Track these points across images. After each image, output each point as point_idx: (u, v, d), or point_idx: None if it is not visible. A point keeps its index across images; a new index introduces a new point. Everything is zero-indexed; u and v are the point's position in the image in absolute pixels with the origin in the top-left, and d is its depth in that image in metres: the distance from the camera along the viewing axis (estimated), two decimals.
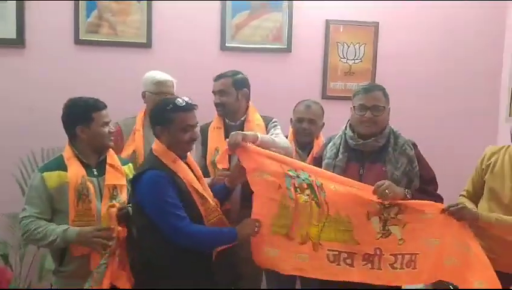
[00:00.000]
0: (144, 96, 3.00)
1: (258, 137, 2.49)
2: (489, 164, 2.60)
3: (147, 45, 3.54)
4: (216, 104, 2.85)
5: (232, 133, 2.45)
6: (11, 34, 3.37)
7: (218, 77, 2.86)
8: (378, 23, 3.78)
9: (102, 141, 2.45)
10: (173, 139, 2.26)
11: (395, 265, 2.33)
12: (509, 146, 2.59)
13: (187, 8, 3.57)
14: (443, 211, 2.33)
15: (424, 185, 2.44)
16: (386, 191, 2.28)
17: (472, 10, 3.85)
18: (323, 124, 3.05)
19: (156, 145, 2.30)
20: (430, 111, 3.86)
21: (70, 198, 2.34)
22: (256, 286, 2.91)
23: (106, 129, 2.44)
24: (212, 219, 2.28)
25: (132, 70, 3.49)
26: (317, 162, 2.61)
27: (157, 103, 2.39)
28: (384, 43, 3.79)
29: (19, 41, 3.39)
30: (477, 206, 2.62)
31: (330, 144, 2.58)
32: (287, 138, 3.01)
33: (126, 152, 2.90)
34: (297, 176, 2.37)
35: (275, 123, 2.90)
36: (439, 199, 2.46)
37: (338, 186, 2.37)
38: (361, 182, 2.41)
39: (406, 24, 3.82)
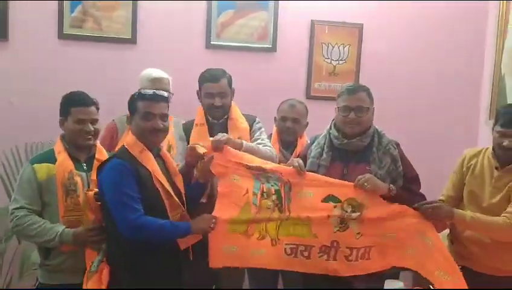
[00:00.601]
0: None
1: (242, 145, 2.52)
2: (470, 166, 2.61)
3: (132, 40, 3.53)
4: (216, 107, 2.78)
5: (219, 134, 2.48)
6: None
7: (216, 78, 2.78)
8: (362, 24, 3.82)
9: (74, 138, 2.43)
10: (137, 128, 2.29)
11: (350, 257, 2.39)
12: (487, 148, 2.61)
13: (173, 5, 3.57)
14: (415, 208, 2.37)
15: (407, 184, 2.47)
16: (365, 183, 2.33)
17: (454, 13, 3.91)
18: (307, 123, 3.08)
19: (128, 136, 2.34)
20: (412, 112, 3.92)
21: (58, 194, 2.35)
22: (238, 286, 2.93)
23: (79, 127, 2.40)
24: (175, 215, 2.29)
25: (116, 66, 3.50)
26: (302, 161, 2.64)
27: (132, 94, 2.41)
28: (368, 44, 3.84)
29: (1, 35, 3.35)
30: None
31: (315, 144, 2.60)
32: (270, 136, 3.04)
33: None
34: (267, 181, 2.42)
35: (259, 125, 2.90)
36: (421, 197, 2.50)
37: (306, 192, 2.42)
38: (344, 181, 2.43)
39: (389, 26, 3.87)
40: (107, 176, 2.21)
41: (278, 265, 2.44)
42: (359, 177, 2.35)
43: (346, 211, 2.39)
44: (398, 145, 2.53)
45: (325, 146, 2.54)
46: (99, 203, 2.27)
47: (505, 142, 2.42)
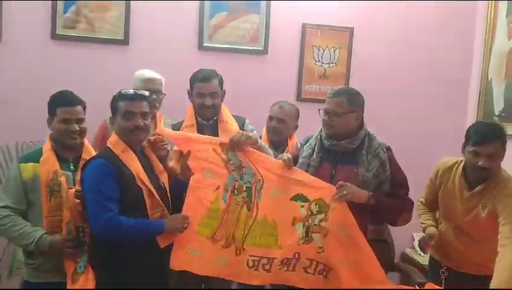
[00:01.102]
0: None
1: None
2: (442, 181, 2.60)
3: (124, 41, 3.55)
4: (206, 106, 2.80)
5: (239, 132, 2.53)
6: None
7: (207, 79, 2.81)
8: (353, 28, 3.86)
9: (59, 137, 2.44)
10: (119, 127, 2.33)
11: (308, 270, 2.42)
12: (461, 162, 2.56)
13: (165, 7, 3.59)
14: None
15: (395, 188, 2.50)
16: (344, 191, 2.34)
17: (443, 17, 3.97)
18: (297, 126, 3.11)
19: (111, 137, 2.37)
20: (400, 115, 3.96)
21: (42, 194, 2.36)
22: (227, 285, 2.95)
23: (64, 126, 2.41)
24: (155, 213, 2.32)
25: (108, 66, 3.51)
26: (293, 162, 2.67)
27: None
28: (358, 47, 3.88)
29: None
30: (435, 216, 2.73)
31: (307, 144, 2.64)
32: (261, 138, 3.07)
33: None
34: (241, 178, 2.45)
35: (251, 127, 2.94)
36: (408, 202, 2.53)
37: (276, 191, 2.44)
38: (332, 181, 2.46)
39: (380, 30, 3.91)
40: (88, 175, 2.25)
41: (237, 277, 2.48)
42: (340, 184, 2.37)
43: (312, 212, 2.42)
44: (388, 149, 2.55)
45: (316, 147, 2.57)
46: (78, 201, 2.29)
47: (480, 162, 2.34)
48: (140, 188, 2.27)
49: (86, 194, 2.25)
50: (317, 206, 2.43)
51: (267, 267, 2.43)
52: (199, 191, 2.43)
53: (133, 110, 2.31)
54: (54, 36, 3.47)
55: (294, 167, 2.49)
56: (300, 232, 2.43)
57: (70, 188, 2.34)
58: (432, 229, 2.61)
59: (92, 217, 2.21)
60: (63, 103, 2.44)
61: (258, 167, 2.47)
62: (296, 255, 2.43)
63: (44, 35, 3.45)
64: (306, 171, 2.53)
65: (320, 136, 2.59)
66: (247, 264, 2.43)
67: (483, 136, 2.34)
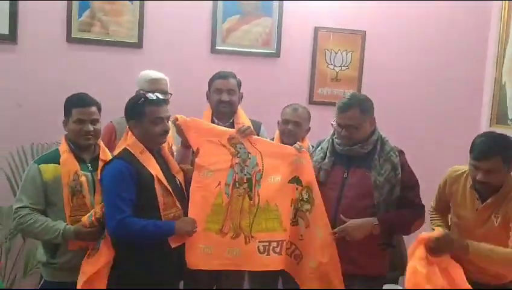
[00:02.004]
0: None
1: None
2: (452, 191, 2.56)
3: (138, 45, 3.58)
4: (223, 102, 2.88)
5: (244, 126, 2.63)
6: (4, 29, 3.39)
7: (226, 76, 2.92)
8: (365, 31, 3.87)
9: (74, 138, 2.48)
10: (145, 132, 2.36)
11: (288, 251, 2.55)
12: (467, 172, 2.51)
13: (179, 10, 3.62)
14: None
15: (405, 191, 2.50)
16: (346, 237, 2.41)
17: (456, 21, 3.96)
18: (309, 128, 3.11)
19: (129, 138, 2.40)
20: (413, 118, 3.95)
21: (64, 195, 2.40)
22: (238, 283, 2.97)
23: (79, 127, 2.45)
24: (169, 214, 2.35)
25: (123, 69, 3.54)
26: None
27: (130, 99, 2.46)
28: (371, 51, 3.88)
29: (11, 38, 3.41)
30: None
31: (318, 148, 2.67)
32: (273, 140, 3.09)
33: (119, 151, 2.93)
34: (241, 171, 2.53)
35: (266, 134, 3.00)
36: (419, 207, 2.54)
37: (275, 177, 2.55)
38: (344, 185, 2.50)
39: (392, 33, 3.91)
40: (106, 176, 2.31)
41: (252, 266, 2.56)
42: (340, 228, 2.43)
43: (303, 197, 2.53)
44: (401, 153, 2.55)
45: (328, 151, 2.60)
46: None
47: (478, 176, 2.31)
48: (156, 189, 2.31)
49: (103, 195, 2.32)
50: (307, 194, 2.53)
51: (277, 250, 2.53)
52: (201, 190, 2.49)
53: (161, 115, 2.38)
54: (69, 39, 3.51)
55: (305, 151, 2.59)
56: (292, 213, 2.56)
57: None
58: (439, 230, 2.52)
59: (107, 218, 2.27)
60: (78, 103, 2.47)
61: (264, 155, 2.57)
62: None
63: (59, 38, 3.50)
64: (317, 175, 2.57)
65: (332, 140, 2.60)
66: (258, 250, 2.51)
67: (483, 151, 2.28)
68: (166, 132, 2.41)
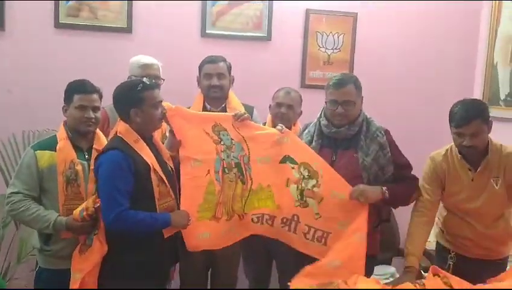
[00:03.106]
0: None
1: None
2: (444, 171, 2.56)
3: (127, 29, 3.54)
4: (214, 86, 2.86)
5: (240, 112, 2.62)
6: None
7: (215, 60, 2.89)
8: (356, 13, 3.84)
9: (74, 124, 2.46)
10: (147, 117, 2.34)
11: (307, 236, 2.50)
12: (450, 147, 2.57)
13: None
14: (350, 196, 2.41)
15: (399, 170, 2.52)
16: (359, 197, 2.38)
17: (449, 2, 3.92)
18: (301, 112, 3.11)
19: (120, 127, 2.37)
20: (405, 100, 3.95)
21: (58, 182, 2.38)
22: (233, 267, 2.99)
23: (80, 113, 2.43)
24: (164, 204, 2.34)
25: (112, 54, 3.51)
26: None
27: (123, 87, 2.41)
28: (362, 33, 3.86)
29: None
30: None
31: (305, 132, 2.66)
32: (265, 124, 3.08)
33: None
34: (228, 157, 2.52)
35: (259, 119, 2.97)
36: (415, 180, 2.56)
37: (263, 158, 2.55)
38: (333, 167, 2.50)
39: (384, 15, 3.88)
40: (103, 167, 2.26)
41: (246, 232, 2.59)
42: (354, 189, 2.39)
43: (304, 175, 2.49)
44: (387, 132, 2.56)
45: (315, 134, 2.60)
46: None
47: (464, 142, 2.38)
48: (151, 178, 2.29)
49: (99, 185, 2.28)
50: (306, 170, 2.51)
51: (269, 222, 2.56)
52: (191, 181, 2.47)
53: (160, 99, 2.39)
54: (57, 25, 3.46)
55: (289, 131, 2.60)
56: (295, 194, 2.53)
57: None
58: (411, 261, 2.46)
59: (104, 210, 2.24)
60: (80, 89, 2.45)
61: (247, 139, 2.56)
62: (295, 218, 2.52)
63: (47, 24, 3.45)
64: None
65: (319, 122, 2.60)
66: (252, 220, 2.56)
67: (463, 117, 2.37)
68: (164, 115, 2.41)
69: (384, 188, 2.43)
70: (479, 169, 2.47)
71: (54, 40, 3.48)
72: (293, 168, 2.53)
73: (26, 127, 3.27)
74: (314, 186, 2.49)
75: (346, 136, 2.52)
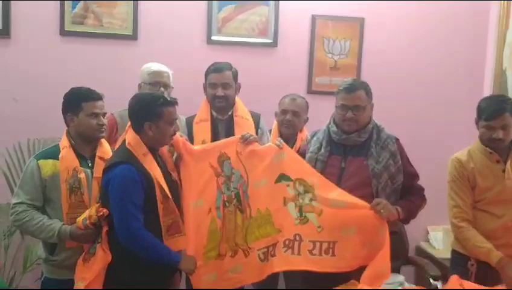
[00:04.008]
0: (140, 87, 2.96)
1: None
2: (473, 170, 2.57)
3: (133, 37, 3.54)
4: (219, 97, 2.81)
5: (247, 133, 2.57)
6: None
7: (220, 69, 2.84)
8: (363, 18, 3.81)
9: (88, 132, 2.45)
10: (160, 133, 2.31)
11: (313, 251, 2.42)
12: (471, 147, 2.62)
13: (173, 1, 3.57)
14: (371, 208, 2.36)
15: (409, 180, 2.50)
16: (382, 210, 2.33)
17: (456, 7, 3.90)
18: (307, 118, 3.10)
19: (130, 137, 2.34)
20: (412, 107, 3.91)
21: (62, 191, 2.37)
22: None
23: (94, 121, 2.43)
24: (168, 221, 2.31)
25: (118, 62, 3.52)
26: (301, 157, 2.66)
27: (142, 98, 2.40)
28: (369, 38, 3.83)
29: (4, 32, 3.38)
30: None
31: (314, 139, 2.63)
32: (271, 131, 3.06)
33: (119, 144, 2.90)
34: (228, 189, 2.49)
35: (265, 127, 2.95)
36: (422, 191, 2.54)
37: (260, 182, 2.50)
38: (342, 174, 2.47)
39: (390, 20, 3.86)
40: (116, 181, 2.23)
41: (256, 278, 2.50)
42: (377, 201, 2.35)
43: (299, 191, 2.45)
44: (397, 140, 2.54)
45: (324, 141, 2.57)
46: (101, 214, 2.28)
47: (494, 134, 2.47)
48: (156, 194, 2.27)
49: (113, 201, 2.24)
50: (301, 186, 2.47)
51: (272, 253, 2.47)
52: (194, 223, 2.44)
53: (176, 117, 2.38)
54: (63, 32, 3.47)
55: (285, 146, 2.55)
56: (294, 212, 2.47)
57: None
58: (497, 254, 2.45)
59: (121, 225, 2.21)
60: (90, 97, 2.44)
61: (245, 163, 2.52)
62: (297, 237, 2.45)
63: (53, 31, 3.46)
64: (314, 166, 2.53)
65: (328, 129, 2.57)
66: (259, 258, 2.46)
67: (495, 110, 2.48)
68: (175, 132, 2.41)
69: (398, 208, 2.40)
70: (508, 160, 2.53)
71: (59, 48, 3.48)
72: (288, 185, 2.49)
73: (31, 134, 3.27)
74: (311, 200, 2.45)
75: (355, 142, 2.50)
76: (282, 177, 2.49)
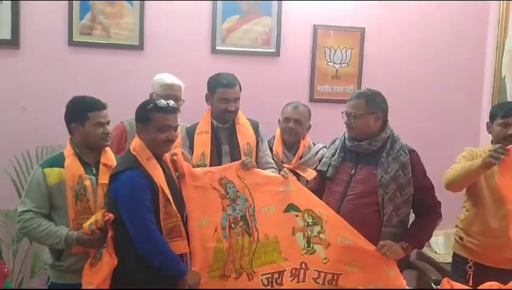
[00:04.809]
0: (151, 97, 2.98)
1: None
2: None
3: (139, 47, 3.60)
4: (230, 111, 2.83)
5: (247, 159, 2.64)
6: (6, 35, 3.41)
7: (233, 85, 2.84)
8: (364, 28, 3.88)
9: (94, 141, 2.50)
10: (150, 138, 2.35)
11: (317, 280, 2.49)
12: (483, 149, 2.70)
13: (179, 12, 3.64)
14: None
15: (421, 194, 2.50)
16: (387, 252, 2.41)
17: (455, 16, 3.97)
18: (310, 126, 3.14)
19: (135, 143, 2.39)
20: (413, 114, 3.96)
21: (68, 198, 2.42)
22: None
23: (100, 130, 2.48)
24: (169, 224, 2.33)
25: (124, 72, 3.57)
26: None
27: (142, 102, 2.46)
28: (370, 47, 3.90)
29: (13, 42, 3.43)
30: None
31: (332, 145, 2.73)
32: (274, 139, 3.11)
33: None
34: (233, 210, 2.51)
35: (264, 136, 2.97)
36: (437, 209, 2.55)
37: (268, 208, 2.53)
38: (351, 181, 2.53)
39: (391, 29, 3.93)
40: (125, 188, 2.26)
41: None
42: (382, 245, 2.42)
43: (308, 222, 2.50)
44: (412, 152, 2.54)
45: (339, 147, 2.64)
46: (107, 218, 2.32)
47: (510, 131, 2.56)
48: (159, 198, 2.30)
49: (124, 206, 2.26)
50: (310, 217, 2.53)
51: (279, 281, 2.50)
52: (200, 243, 2.45)
53: (169, 123, 2.36)
54: (71, 43, 3.52)
55: (290, 177, 2.62)
56: (302, 242, 2.53)
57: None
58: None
59: (137, 229, 2.24)
60: (95, 107, 2.49)
61: (251, 188, 2.55)
62: (303, 265, 2.52)
63: (61, 42, 3.51)
64: (326, 170, 2.62)
65: (344, 137, 2.64)
66: (263, 283, 2.50)
67: (510, 109, 2.63)
68: (172, 140, 2.39)
69: (405, 245, 2.45)
70: None
71: (67, 58, 3.54)
72: (297, 215, 2.55)
73: (39, 143, 3.33)
74: (319, 232, 2.51)
75: (367, 150, 2.54)
76: (291, 207, 2.55)
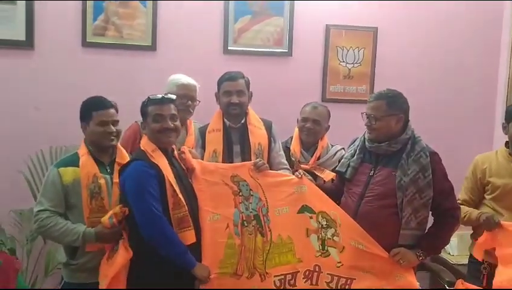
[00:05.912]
0: None
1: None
2: (485, 168, 2.68)
3: (152, 47, 3.62)
4: (233, 104, 2.83)
5: (260, 161, 2.63)
6: (21, 36, 3.45)
7: (234, 78, 2.86)
8: (377, 28, 3.87)
9: (98, 140, 2.52)
10: (149, 130, 2.42)
11: (330, 284, 2.48)
12: (498, 150, 2.71)
13: (191, 13, 3.66)
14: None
15: (440, 199, 2.46)
16: (400, 260, 2.39)
17: (468, 15, 3.94)
18: (329, 126, 3.11)
19: (143, 139, 2.46)
20: (426, 114, 3.91)
21: (83, 196, 2.44)
22: None
23: (102, 129, 2.49)
24: (178, 213, 2.34)
25: (137, 72, 3.60)
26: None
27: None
28: (382, 47, 3.88)
29: (28, 44, 3.47)
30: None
31: (352, 145, 2.70)
32: (292, 139, 3.10)
33: None
34: (246, 209, 2.50)
35: (277, 137, 2.96)
36: (456, 214, 2.51)
37: (281, 208, 2.52)
38: (369, 182, 2.51)
39: (404, 29, 3.90)
40: (131, 177, 2.31)
41: None
42: (395, 252, 2.40)
43: (322, 225, 2.49)
44: (433, 154, 2.49)
45: (358, 148, 2.62)
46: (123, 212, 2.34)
47: None
48: (166, 187, 2.32)
49: (131, 196, 2.30)
50: (324, 219, 2.51)
51: (292, 282, 2.50)
52: (212, 235, 2.45)
53: (162, 113, 2.40)
54: (85, 44, 3.56)
55: (304, 178, 2.60)
56: (316, 244, 2.52)
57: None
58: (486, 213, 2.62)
59: (142, 217, 2.26)
60: (98, 106, 2.52)
61: (265, 189, 2.54)
62: (317, 268, 2.51)
63: (75, 43, 3.55)
64: (345, 171, 2.60)
65: (364, 137, 2.62)
66: (275, 285, 2.49)
67: None
68: (167, 129, 2.40)
69: (419, 252, 2.42)
70: None
71: (81, 59, 3.57)
72: (311, 217, 2.54)
73: (53, 143, 3.36)
74: (333, 235, 2.50)
75: (386, 152, 2.52)
76: (305, 209, 2.54)
